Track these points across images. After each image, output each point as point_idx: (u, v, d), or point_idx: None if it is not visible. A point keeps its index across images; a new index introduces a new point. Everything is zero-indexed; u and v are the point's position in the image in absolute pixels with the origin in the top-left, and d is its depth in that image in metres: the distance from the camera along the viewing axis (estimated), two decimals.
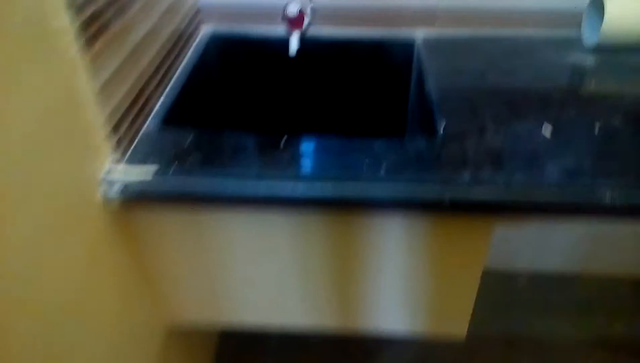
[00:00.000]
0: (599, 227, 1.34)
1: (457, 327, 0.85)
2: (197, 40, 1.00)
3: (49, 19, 0.53)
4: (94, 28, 0.60)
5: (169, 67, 0.86)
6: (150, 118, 0.77)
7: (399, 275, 0.77)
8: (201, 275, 0.79)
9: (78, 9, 0.57)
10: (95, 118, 0.61)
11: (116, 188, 0.64)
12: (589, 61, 0.89)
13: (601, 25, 0.87)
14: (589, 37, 0.92)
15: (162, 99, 0.81)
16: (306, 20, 0.97)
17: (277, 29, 1.01)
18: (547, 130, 0.71)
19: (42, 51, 0.52)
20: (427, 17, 0.98)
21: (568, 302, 1.38)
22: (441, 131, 0.72)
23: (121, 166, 0.66)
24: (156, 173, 0.65)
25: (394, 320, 0.85)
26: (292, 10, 0.93)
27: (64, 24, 0.54)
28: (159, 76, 0.81)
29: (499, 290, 1.42)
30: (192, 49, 0.96)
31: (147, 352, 0.84)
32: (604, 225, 1.31)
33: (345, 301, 0.82)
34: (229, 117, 1.10)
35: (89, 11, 0.59)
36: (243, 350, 1.29)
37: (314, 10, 0.98)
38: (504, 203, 0.63)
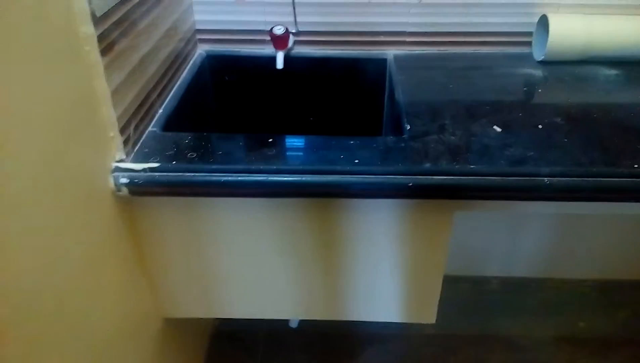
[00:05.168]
0: (562, 237, 1.45)
1: (427, 311, 0.94)
2: (194, 59, 1.11)
3: (77, 26, 0.64)
4: (104, 43, 0.71)
5: (169, 81, 0.97)
6: (152, 123, 0.87)
7: (372, 262, 0.86)
8: (195, 266, 0.88)
9: (99, 20, 0.67)
10: (110, 116, 0.72)
11: (124, 178, 0.74)
12: (537, 73, 1.02)
13: (547, 41, 1.00)
14: (537, 52, 1.05)
15: (162, 107, 0.92)
16: (290, 41, 1.09)
17: (265, 50, 1.13)
18: (497, 129, 0.83)
19: (71, 52, 0.63)
20: (397, 37, 1.10)
21: (536, 303, 1.48)
22: (406, 131, 0.83)
23: (128, 161, 0.76)
24: (159, 167, 0.75)
25: (369, 306, 0.94)
26: (278, 31, 1.05)
27: (89, 31, 0.65)
28: (160, 88, 0.92)
29: (472, 294, 1.52)
30: (189, 67, 1.08)
31: (144, 340, 0.91)
32: (562, 227, 1.42)
33: (326, 289, 0.91)
34: (221, 127, 1.21)
35: (100, 29, 0.70)
36: (232, 348, 1.37)
37: (297, 34, 1.10)
38: (459, 188, 0.73)
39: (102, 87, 0.70)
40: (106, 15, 0.70)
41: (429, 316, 0.94)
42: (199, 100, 1.09)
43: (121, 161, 0.76)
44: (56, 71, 0.60)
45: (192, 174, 0.74)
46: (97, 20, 0.67)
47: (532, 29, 1.07)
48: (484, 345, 1.38)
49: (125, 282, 0.82)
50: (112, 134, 0.74)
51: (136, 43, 0.81)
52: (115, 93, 0.73)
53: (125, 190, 0.75)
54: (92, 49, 0.67)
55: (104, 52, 0.69)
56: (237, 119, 1.21)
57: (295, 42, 1.12)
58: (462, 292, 1.50)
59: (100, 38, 0.68)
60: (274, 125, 1.22)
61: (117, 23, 0.74)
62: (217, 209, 0.80)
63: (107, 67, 0.70)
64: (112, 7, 0.72)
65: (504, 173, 0.73)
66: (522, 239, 1.47)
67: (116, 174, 0.74)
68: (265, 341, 1.38)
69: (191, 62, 1.10)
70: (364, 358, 1.35)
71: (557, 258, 1.50)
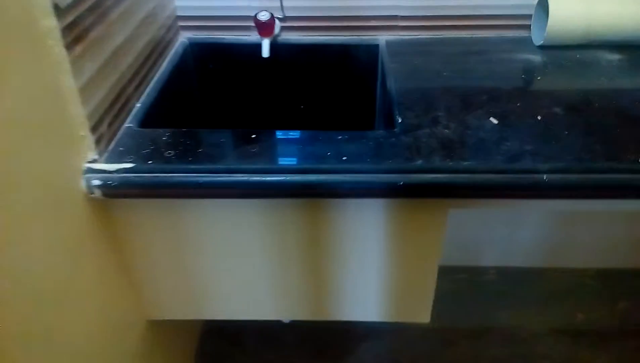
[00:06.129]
0: (561, 226, 1.41)
1: (421, 311, 0.91)
2: (175, 47, 1.06)
3: (38, 19, 0.59)
4: (76, 31, 0.66)
5: (148, 72, 0.92)
6: (129, 118, 0.82)
7: (363, 262, 0.82)
8: (178, 268, 0.84)
9: (62, 13, 0.62)
10: (78, 115, 0.67)
11: (97, 180, 0.69)
12: (536, 58, 0.97)
13: (547, 25, 0.95)
14: (536, 36, 1.00)
15: (140, 101, 0.87)
16: (277, 27, 1.04)
17: (251, 36, 1.07)
18: (494, 121, 0.78)
19: (31, 47, 0.58)
20: (389, 22, 1.05)
21: (534, 294, 1.45)
22: (398, 124, 0.78)
23: (102, 161, 0.72)
24: (133, 168, 0.70)
25: (361, 306, 0.90)
26: (262, 18, 0.99)
27: (51, 24, 0.60)
28: (138, 79, 0.87)
29: (469, 285, 1.48)
30: (170, 55, 1.02)
31: (127, 344, 0.87)
32: (562, 220, 1.38)
33: (315, 289, 0.87)
34: (206, 119, 1.16)
35: (72, 15, 0.65)
36: (223, 344, 1.34)
37: (283, 19, 1.05)
38: (453, 186, 0.69)
39: (69, 83, 0.65)
40: (72, 5, 0.65)
41: (423, 316, 0.91)
42: (181, 91, 1.04)
43: (93, 161, 0.71)
44: (15, 68, 0.56)
45: (169, 175, 0.70)
46: (60, 12, 0.62)
47: (530, 11, 1.02)
48: (480, 338, 1.35)
49: (105, 286, 0.78)
50: (82, 133, 0.69)
51: (109, 33, 0.76)
52: (84, 89, 0.68)
53: (98, 192, 0.70)
54: (56, 44, 0.62)
55: (70, 45, 0.64)
56: (223, 109, 1.16)
57: (282, 28, 1.07)
58: (458, 283, 1.47)
59: (66, 31, 0.63)
60: (262, 116, 1.17)
61: (86, 13, 0.69)
62: (198, 209, 0.76)
63: (74, 62, 0.65)
64: None
65: (500, 169, 0.69)
66: (520, 227, 1.43)
67: (88, 175, 0.70)
68: (257, 336, 1.35)
69: (173, 50, 1.04)
70: (358, 353, 1.32)
71: (556, 247, 1.46)
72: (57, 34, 0.62)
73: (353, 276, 0.84)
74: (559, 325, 1.37)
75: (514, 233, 1.44)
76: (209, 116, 1.16)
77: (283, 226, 0.78)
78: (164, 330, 1.05)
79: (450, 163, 0.70)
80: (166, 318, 0.93)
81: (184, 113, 1.05)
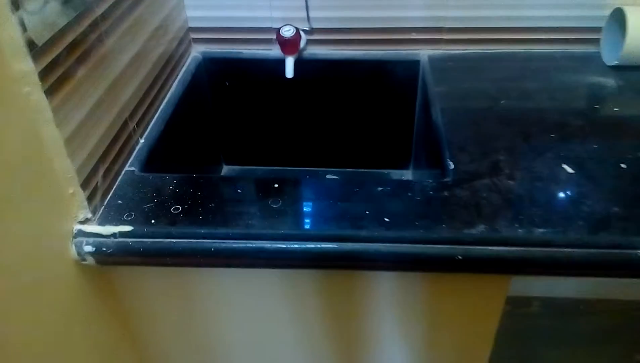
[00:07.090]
0: None
1: None
2: (187, 63, 0.93)
3: (8, 62, 0.47)
4: (63, 67, 0.54)
5: (155, 98, 0.79)
6: (130, 160, 0.70)
7: (406, 337, 0.70)
8: (188, 337, 0.73)
9: (41, 50, 0.50)
10: (65, 170, 0.55)
11: (89, 246, 0.58)
12: (609, 81, 0.82)
13: (623, 41, 0.80)
14: (609, 54, 0.85)
15: (144, 137, 0.75)
16: (302, 42, 0.90)
17: (272, 51, 0.94)
18: (568, 169, 0.64)
19: (4, 97, 0.47)
20: (433, 34, 0.91)
21: (584, 330, 1.31)
22: (450, 171, 0.65)
23: (95, 221, 0.60)
24: (133, 229, 0.59)
25: None
26: (287, 33, 0.86)
27: (26, 67, 0.48)
28: (141, 112, 0.74)
29: (509, 318, 1.34)
30: (180, 74, 0.90)
31: None
32: None
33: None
34: (220, 146, 1.03)
35: (58, 47, 0.53)
36: None
37: (310, 32, 0.91)
38: (524, 262, 0.56)
39: (52, 135, 0.53)
40: (53, 40, 0.53)
41: None
42: (193, 115, 0.92)
43: (85, 221, 0.59)
44: None
45: (175, 240, 0.58)
46: (38, 51, 0.50)
47: (600, 24, 0.86)
48: None
49: (107, 353, 0.68)
50: (71, 190, 0.57)
51: (107, 59, 0.64)
52: (72, 139, 0.56)
53: (91, 260, 0.58)
54: (34, 90, 0.50)
55: (52, 90, 0.52)
56: (240, 134, 1.03)
57: (309, 42, 0.93)
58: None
59: (46, 72, 0.51)
60: (284, 142, 1.04)
61: (73, 46, 0.56)
62: (210, 277, 0.64)
63: (58, 109, 0.53)
64: (65, 27, 0.55)
65: (583, 243, 0.55)
66: None
67: (79, 239, 0.58)
68: None
69: (184, 68, 0.92)
70: None
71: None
72: (34, 78, 0.50)
73: (391, 354, 0.72)
74: None
75: None
76: (224, 142, 1.03)
77: (311, 297, 0.65)
78: None
79: (520, 231, 0.56)
80: None
81: (195, 143, 0.92)
